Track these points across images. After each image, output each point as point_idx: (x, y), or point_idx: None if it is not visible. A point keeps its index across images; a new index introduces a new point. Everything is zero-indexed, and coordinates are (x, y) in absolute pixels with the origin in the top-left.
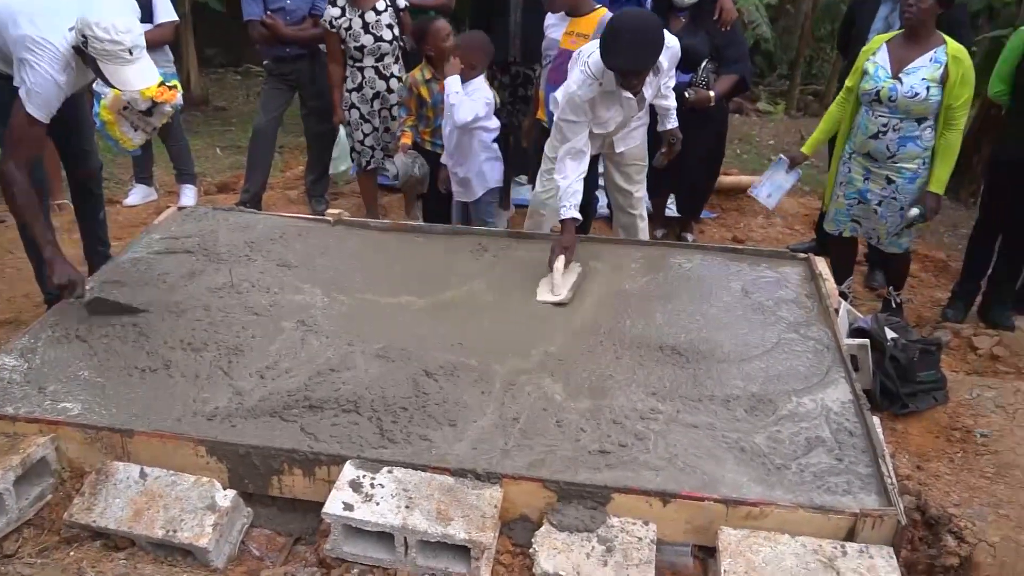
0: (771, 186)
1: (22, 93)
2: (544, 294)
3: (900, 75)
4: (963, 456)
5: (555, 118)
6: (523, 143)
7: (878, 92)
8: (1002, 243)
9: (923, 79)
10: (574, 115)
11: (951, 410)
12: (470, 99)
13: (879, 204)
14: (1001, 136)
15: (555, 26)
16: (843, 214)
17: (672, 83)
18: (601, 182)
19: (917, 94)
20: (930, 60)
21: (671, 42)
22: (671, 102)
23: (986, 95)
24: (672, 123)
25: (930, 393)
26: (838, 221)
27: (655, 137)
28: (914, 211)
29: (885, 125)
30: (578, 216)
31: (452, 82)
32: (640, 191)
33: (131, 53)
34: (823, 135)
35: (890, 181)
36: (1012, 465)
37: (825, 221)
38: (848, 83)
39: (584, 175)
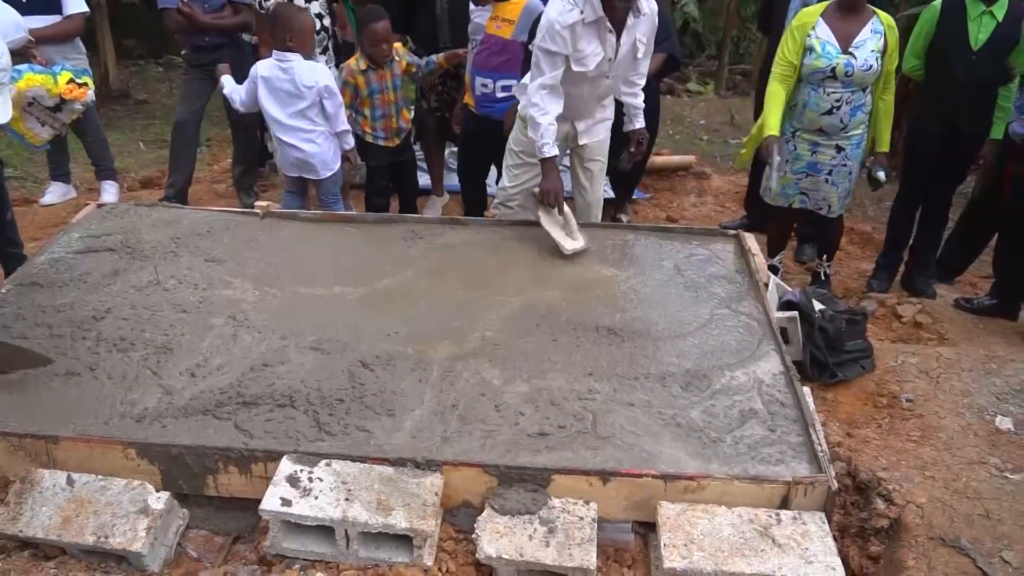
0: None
1: None
2: (568, 242)
3: (851, 50)
4: (890, 421)
5: (535, 49)
6: (454, 129)
7: (833, 69)
8: (922, 215)
9: (872, 51)
10: (553, 44)
11: (878, 377)
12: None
13: (829, 173)
14: (917, 111)
15: (480, 11)
16: (792, 187)
17: (642, 82)
18: None
19: (872, 66)
20: (872, 32)
21: (651, 4)
22: (639, 101)
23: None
24: (639, 123)
25: (857, 362)
26: (787, 195)
27: (621, 137)
28: (881, 174)
29: (839, 100)
30: (556, 154)
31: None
32: (597, 190)
33: None
34: (779, 112)
35: (840, 149)
36: (936, 428)
37: (769, 196)
38: (792, 59)
39: (559, 112)
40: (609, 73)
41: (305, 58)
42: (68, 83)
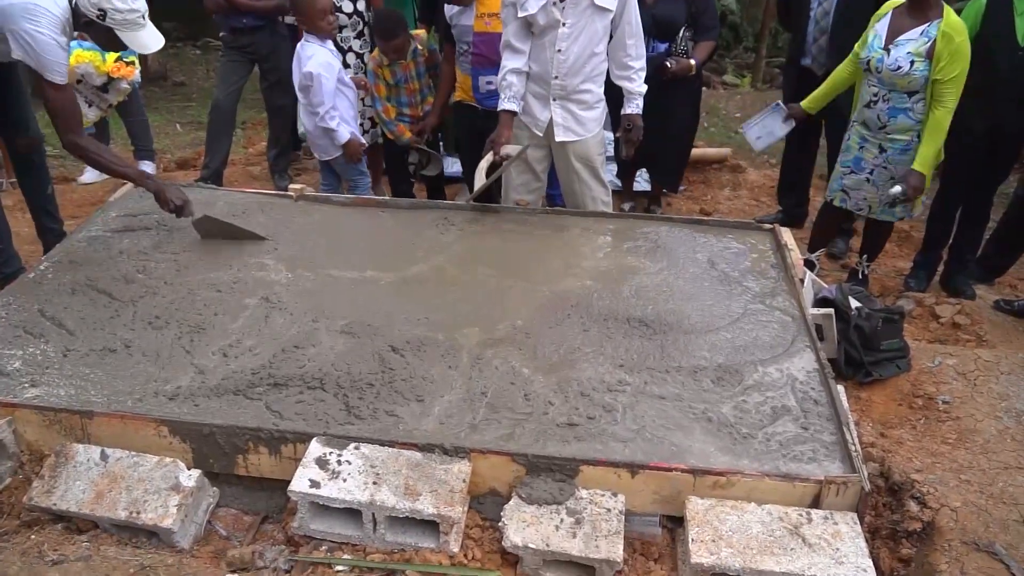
0: (761, 129)
1: (35, 67)
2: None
3: (889, 46)
4: (925, 423)
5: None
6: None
7: (869, 61)
8: (962, 213)
9: (908, 52)
10: None
11: (914, 378)
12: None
13: (871, 172)
14: (962, 110)
15: (462, 13)
16: (836, 181)
17: (636, 64)
18: None
19: (900, 67)
20: (920, 33)
21: None
22: (635, 85)
23: None
24: (632, 108)
25: (893, 361)
26: (831, 188)
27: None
28: (896, 188)
29: (876, 95)
30: (512, 108)
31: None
32: (592, 192)
33: (144, 18)
34: (826, 91)
35: (882, 150)
36: (973, 431)
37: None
38: (856, 48)
39: (521, 70)
40: (564, 21)
41: (318, 40)
42: (115, 61)
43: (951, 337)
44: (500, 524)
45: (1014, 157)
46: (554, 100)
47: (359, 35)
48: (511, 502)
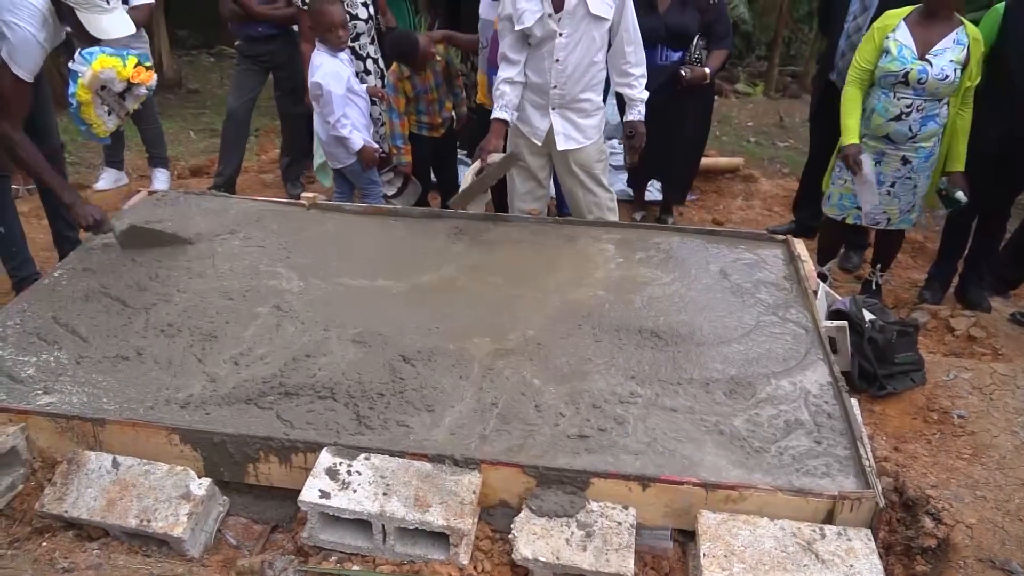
0: (867, 195)
1: (4, 55)
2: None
3: (928, 57)
4: (940, 437)
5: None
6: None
7: (906, 74)
8: (978, 224)
9: (951, 61)
10: (502, 7)
11: (929, 391)
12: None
13: (892, 185)
14: (977, 119)
15: (489, 7)
16: (849, 199)
17: (636, 71)
18: None
19: (947, 76)
20: (954, 42)
21: None
22: (635, 92)
23: None
24: (634, 115)
25: (908, 375)
26: (842, 207)
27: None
28: (959, 194)
29: (909, 106)
30: (504, 118)
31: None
32: (596, 198)
33: (108, 2)
34: (859, 118)
35: (906, 161)
36: (989, 446)
37: (826, 205)
38: (867, 64)
39: (515, 80)
40: (561, 32)
41: (328, 50)
42: (135, 66)
43: (966, 350)
44: (510, 536)
45: None
46: (553, 109)
47: (373, 40)
48: (521, 514)
